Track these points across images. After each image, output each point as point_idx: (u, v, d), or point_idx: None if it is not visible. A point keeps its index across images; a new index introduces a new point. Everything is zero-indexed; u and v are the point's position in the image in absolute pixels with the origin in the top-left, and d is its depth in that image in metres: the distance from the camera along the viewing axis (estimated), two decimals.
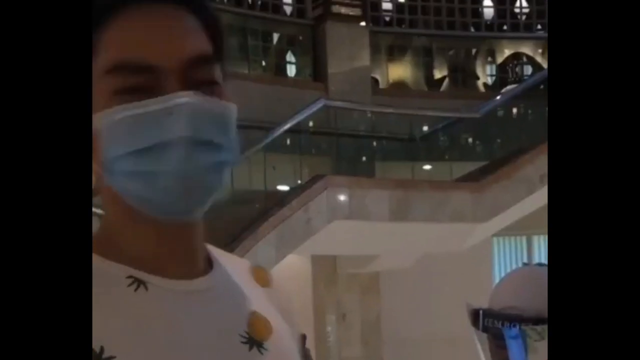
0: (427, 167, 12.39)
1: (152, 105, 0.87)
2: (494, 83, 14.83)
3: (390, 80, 14.92)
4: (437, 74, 15.10)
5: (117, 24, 0.90)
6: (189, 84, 0.89)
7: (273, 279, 1.12)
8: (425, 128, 12.67)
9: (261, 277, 1.09)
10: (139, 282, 0.91)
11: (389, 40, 14.97)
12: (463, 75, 15.03)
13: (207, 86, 0.91)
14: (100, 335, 0.86)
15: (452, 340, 8.61)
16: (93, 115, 0.89)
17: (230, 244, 8.43)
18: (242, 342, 0.95)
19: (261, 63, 14.16)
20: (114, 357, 0.86)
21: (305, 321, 11.99)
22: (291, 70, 14.45)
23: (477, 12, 15.01)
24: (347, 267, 11.81)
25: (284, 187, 10.63)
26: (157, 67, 0.88)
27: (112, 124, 0.88)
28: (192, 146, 0.87)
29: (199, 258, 0.97)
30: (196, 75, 0.90)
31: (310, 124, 11.34)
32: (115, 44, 0.89)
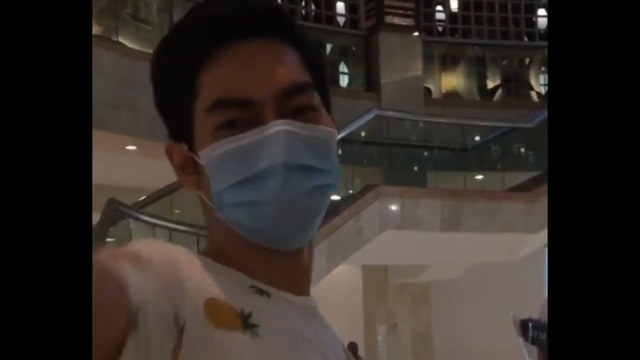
0: (479, 177, 12.31)
1: (249, 137, 0.91)
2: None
3: (443, 90, 14.86)
4: (490, 84, 15.00)
5: (213, 63, 0.94)
6: (285, 113, 0.93)
7: None
8: (477, 138, 12.59)
9: None
10: (262, 291, 0.94)
11: (442, 50, 14.92)
12: (516, 84, 14.93)
13: (304, 113, 0.95)
14: (241, 304, 0.90)
15: (503, 351, 8.54)
16: (200, 152, 0.94)
17: None
18: None
19: None
20: (259, 325, 0.90)
21: (355, 331, 11.97)
22: (344, 81, 14.47)
23: (531, 22, 14.90)
24: (398, 277, 11.78)
25: (335, 197, 10.65)
26: (253, 101, 0.92)
27: (215, 158, 0.92)
28: (289, 172, 0.91)
29: (306, 280, 1.01)
30: (292, 104, 0.94)
31: (363, 133, 11.36)
32: (212, 83, 0.93)
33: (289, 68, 0.95)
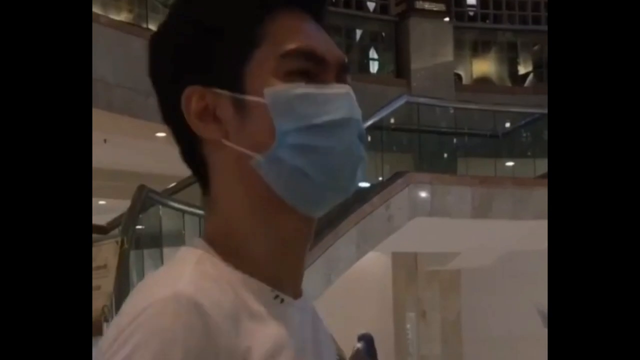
0: (510, 163, 12.24)
1: (326, 89, 0.95)
2: None
3: (474, 76, 14.78)
4: (522, 70, 14.89)
5: (280, 20, 0.97)
6: (340, 81, 0.98)
7: None
8: (508, 124, 12.51)
9: None
10: (280, 298, 0.95)
11: (473, 36, 14.84)
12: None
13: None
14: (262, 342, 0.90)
15: (533, 339, 8.49)
16: (265, 90, 0.95)
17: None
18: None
19: None
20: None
21: (384, 319, 11.96)
22: (374, 67, 14.44)
23: None
24: (427, 264, 11.75)
25: (365, 184, 10.63)
26: (325, 60, 0.97)
27: (288, 98, 0.94)
28: (355, 129, 0.96)
29: (301, 282, 1.01)
30: (343, 76, 1.00)
31: (392, 120, 11.32)
32: (289, 34, 0.97)
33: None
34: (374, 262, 11.27)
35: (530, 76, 14.72)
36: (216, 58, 0.96)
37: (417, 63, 13.58)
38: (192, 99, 0.96)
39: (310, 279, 2.21)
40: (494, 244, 10.56)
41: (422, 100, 11.56)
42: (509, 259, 10.95)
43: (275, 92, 0.94)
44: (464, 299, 11.99)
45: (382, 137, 10.79)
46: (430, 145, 12.13)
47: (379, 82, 13.26)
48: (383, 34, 14.26)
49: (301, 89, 0.94)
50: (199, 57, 0.97)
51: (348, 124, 0.95)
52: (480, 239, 10.13)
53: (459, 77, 14.44)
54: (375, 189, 9.51)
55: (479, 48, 14.90)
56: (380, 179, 10.21)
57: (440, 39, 13.77)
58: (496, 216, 9.75)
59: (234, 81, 0.95)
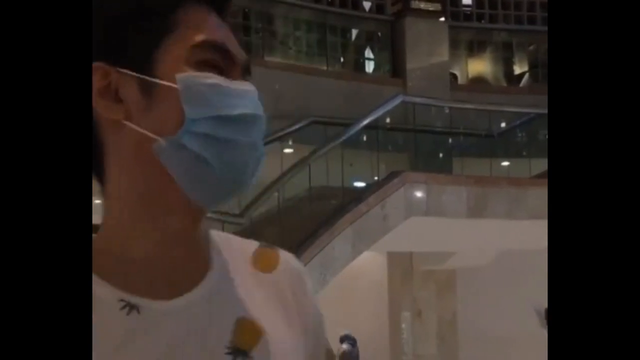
0: (505, 163, 12.25)
1: (235, 84, 0.96)
2: None
3: (470, 76, 14.79)
4: (517, 70, 14.90)
5: (192, 12, 0.97)
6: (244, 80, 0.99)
7: (282, 258, 1.08)
8: (503, 124, 12.52)
9: (264, 261, 1.07)
10: (131, 306, 0.92)
11: (469, 36, 14.84)
12: (544, 70, 14.83)
13: None
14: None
15: (530, 339, 8.50)
16: (177, 75, 0.94)
17: (306, 240, 8.46)
18: (226, 354, 0.96)
19: (339, 59, 14.18)
20: None
21: (380, 318, 11.97)
22: (369, 66, 14.43)
23: None
24: (423, 264, 11.75)
25: (360, 184, 10.62)
26: (233, 56, 0.98)
27: (199, 86, 0.94)
28: (260, 126, 0.96)
29: (197, 263, 0.99)
30: (246, 75, 1.00)
31: (388, 120, 11.31)
32: (200, 26, 0.97)
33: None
34: (370, 262, 11.27)
35: (526, 76, 14.73)
36: (128, 41, 0.95)
37: (413, 63, 13.58)
38: (95, 75, 0.94)
39: None
40: (490, 244, 10.58)
41: (417, 99, 11.56)
42: (505, 259, 10.97)
43: (187, 78, 0.93)
44: (459, 299, 12.00)
45: (377, 136, 10.77)
46: (426, 145, 12.14)
47: (374, 81, 13.26)
48: (379, 33, 14.26)
49: (213, 79, 0.94)
50: (112, 38, 0.95)
51: (254, 120, 0.95)
52: (476, 238, 10.14)
53: (454, 76, 14.44)
54: (371, 188, 9.51)
55: (474, 48, 14.91)
56: (376, 178, 10.20)
57: (435, 39, 13.78)
58: (491, 216, 9.76)
59: (144, 64, 0.94)
